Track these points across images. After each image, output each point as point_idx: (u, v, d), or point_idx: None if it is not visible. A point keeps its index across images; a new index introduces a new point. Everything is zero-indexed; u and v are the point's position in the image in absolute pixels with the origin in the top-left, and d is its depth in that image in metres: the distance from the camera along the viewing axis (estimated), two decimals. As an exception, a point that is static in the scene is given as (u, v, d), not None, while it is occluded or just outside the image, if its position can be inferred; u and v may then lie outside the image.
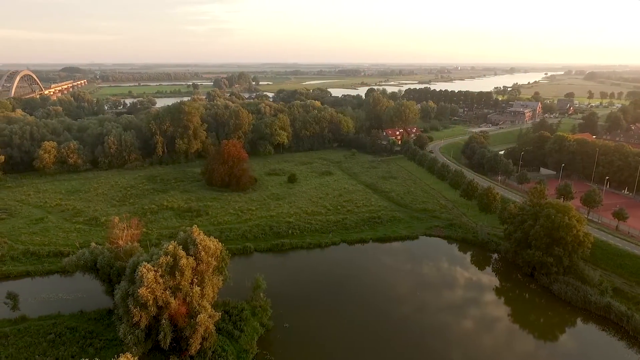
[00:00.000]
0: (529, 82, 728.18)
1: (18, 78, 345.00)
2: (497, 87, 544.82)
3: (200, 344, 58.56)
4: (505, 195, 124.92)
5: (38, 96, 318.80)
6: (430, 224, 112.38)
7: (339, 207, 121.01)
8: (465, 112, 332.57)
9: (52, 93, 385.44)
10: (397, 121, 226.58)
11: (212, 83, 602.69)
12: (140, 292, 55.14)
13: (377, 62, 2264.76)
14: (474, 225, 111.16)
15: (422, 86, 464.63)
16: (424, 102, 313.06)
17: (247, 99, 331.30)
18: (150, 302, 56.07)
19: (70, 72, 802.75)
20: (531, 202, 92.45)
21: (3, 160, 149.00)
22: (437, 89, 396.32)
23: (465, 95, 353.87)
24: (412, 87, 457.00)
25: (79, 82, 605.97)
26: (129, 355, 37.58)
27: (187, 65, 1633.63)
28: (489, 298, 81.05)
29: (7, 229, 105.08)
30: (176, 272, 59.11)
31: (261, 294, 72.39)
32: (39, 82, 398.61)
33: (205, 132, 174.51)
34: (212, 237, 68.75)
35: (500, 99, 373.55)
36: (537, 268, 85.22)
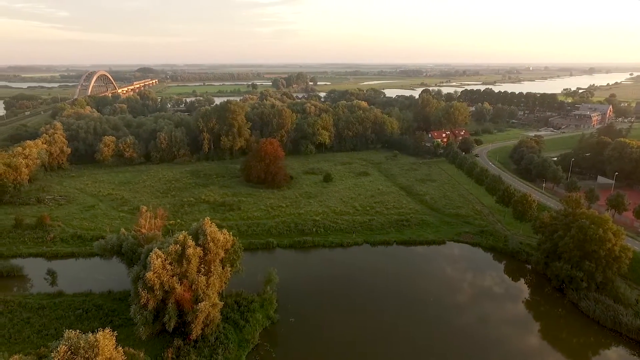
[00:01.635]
0: (607, 84, 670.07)
1: (95, 78, 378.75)
2: (567, 89, 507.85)
3: (201, 329, 61.94)
4: (548, 204, 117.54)
5: (110, 95, 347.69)
6: (460, 230, 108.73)
7: (368, 208, 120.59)
8: (526, 115, 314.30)
9: (123, 92, 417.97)
10: (446, 123, 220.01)
11: (271, 83, 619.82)
12: (148, 276, 59.54)
13: (442, 62, 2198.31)
14: (507, 233, 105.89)
15: (484, 87, 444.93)
16: (479, 103, 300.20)
17: (299, 98, 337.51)
18: (157, 286, 60.31)
19: (144, 72, 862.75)
20: (565, 211, 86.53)
21: (70, 152, 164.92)
22: (500, 90, 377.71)
23: (527, 97, 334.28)
24: (474, 88, 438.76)
25: (151, 82, 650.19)
26: (108, 330, 41.14)
27: (252, 65, 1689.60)
28: (507, 310, 77.21)
29: (63, 213, 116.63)
30: (184, 260, 62.99)
31: (268, 287, 74.57)
32: (113, 81, 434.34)
33: (249, 130, 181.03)
34: (224, 230, 72.05)
35: (566, 101, 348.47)
36: (567, 282, 79.73)
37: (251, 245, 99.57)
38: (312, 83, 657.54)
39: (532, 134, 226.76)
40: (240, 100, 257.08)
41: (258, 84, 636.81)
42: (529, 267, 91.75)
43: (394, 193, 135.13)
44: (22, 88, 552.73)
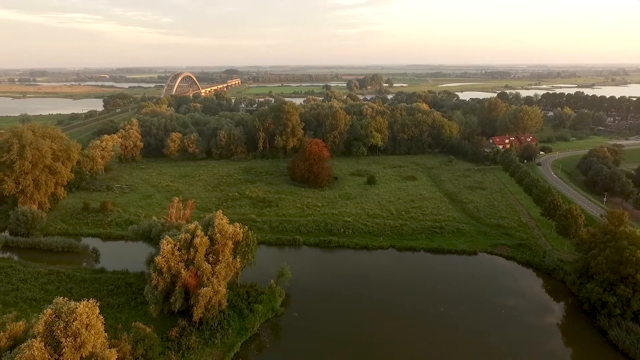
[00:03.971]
0: None
1: (180, 79, 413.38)
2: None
3: (202, 313, 66.82)
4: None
5: (191, 94, 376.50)
6: (496, 242, 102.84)
7: (403, 213, 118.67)
8: (616, 122, 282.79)
9: (206, 92, 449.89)
10: (513, 128, 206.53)
11: (346, 85, 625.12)
12: (157, 260, 65.84)
13: (536, 63, 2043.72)
14: (548, 249, 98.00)
15: (576, 90, 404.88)
16: (559, 108, 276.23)
17: (366, 100, 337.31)
18: (165, 269, 66.39)
19: (229, 73, 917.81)
20: (605, 228, 78.37)
21: (142, 146, 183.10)
22: (588, 95, 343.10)
23: (620, 102, 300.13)
24: (565, 91, 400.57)
25: (234, 83, 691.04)
26: (92, 300, 47.02)
27: (334, 67, 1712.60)
28: (525, 332, 71.91)
29: (124, 201, 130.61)
30: (191, 248, 68.46)
31: (272, 281, 77.65)
32: (197, 82, 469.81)
33: (302, 131, 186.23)
34: (236, 223, 76.61)
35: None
36: (598, 307, 72.44)
37: (278, 241, 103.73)
38: (387, 85, 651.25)
39: (615, 142, 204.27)
40: (303, 101, 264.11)
41: (333, 85, 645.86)
42: (565, 287, 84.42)
43: (436, 199, 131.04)
44: (123, 88, 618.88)
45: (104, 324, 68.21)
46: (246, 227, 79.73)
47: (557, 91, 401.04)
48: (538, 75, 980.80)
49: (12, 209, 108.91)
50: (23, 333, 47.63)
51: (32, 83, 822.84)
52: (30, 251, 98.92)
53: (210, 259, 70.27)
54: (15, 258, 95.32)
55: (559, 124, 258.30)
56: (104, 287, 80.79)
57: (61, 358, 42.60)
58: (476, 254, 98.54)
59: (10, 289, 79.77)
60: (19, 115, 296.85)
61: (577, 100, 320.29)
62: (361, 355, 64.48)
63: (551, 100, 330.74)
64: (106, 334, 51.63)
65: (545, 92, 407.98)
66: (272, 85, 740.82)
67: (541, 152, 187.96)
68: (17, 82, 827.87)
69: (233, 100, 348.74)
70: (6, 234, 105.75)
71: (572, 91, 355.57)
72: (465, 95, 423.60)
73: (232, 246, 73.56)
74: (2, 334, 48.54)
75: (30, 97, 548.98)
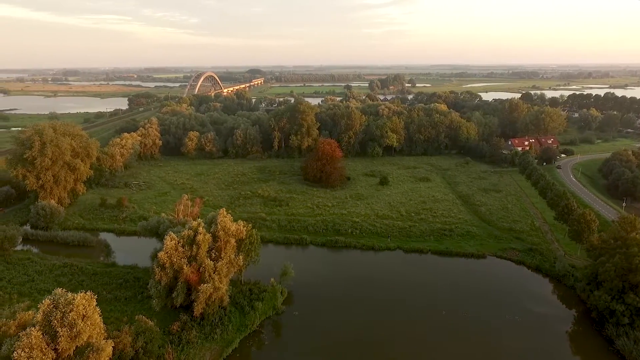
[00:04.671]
0: None
1: (202, 78, 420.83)
2: None
3: (203, 309, 68.23)
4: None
5: (213, 94, 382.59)
6: (506, 245, 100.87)
7: (412, 214, 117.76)
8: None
9: (228, 92, 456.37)
10: (534, 130, 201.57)
11: (368, 84, 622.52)
12: (159, 255, 67.64)
13: (567, 62, 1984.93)
14: (560, 254, 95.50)
15: (607, 91, 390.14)
16: (585, 110, 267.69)
17: (386, 101, 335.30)
18: (168, 265, 68.13)
19: (253, 73, 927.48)
20: (616, 234, 75.85)
21: (161, 144, 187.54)
22: (617, 95, 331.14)
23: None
24: (594, 92, 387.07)
25: (257, 82, 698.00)
26: (90, 292, 48.86)
27: (358, 67, 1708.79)
28: (527, 339, 70.29)
29: (140, 197, 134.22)
30: (194, 244, 70.00)
31: (272, 279, 78.48)
32: (219, 81, 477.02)
33: (317, 130, 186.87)
34: (239, 221, 77.87)
35: None
36: (607, 315, 70.28)
37: (286, 240, 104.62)
38: (409, 85, 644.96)
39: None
40: (321, 101, 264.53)
41: (355, 85, 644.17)
42: (575, 294, 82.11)
43: (448, 201, 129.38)
44: (149, 87, 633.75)
45: (111, 316, 72.09)
46: (250, 225, 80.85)
47: (587, 92, 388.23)
48: (568, 76, 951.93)
49: (33, 203, 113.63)
50: (31, 322, 50.00)
51: (63, 82, 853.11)
52: (48, 244, 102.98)
53: (213, 255, 71.69)
54: (35, 250, 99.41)
55: (584, 126, 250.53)
56: (113, 281, 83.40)
57: (58, 347, 44.49)
58: (485, 258, 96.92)
59: (26, 279, 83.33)
60: (48, 113, 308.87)
61: (606, 101, 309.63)
62: (359, 355, 64.56)
63: (577, 102, 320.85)
64: (105, 325, 53.53)
65: (561, 93, 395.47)
66: (295, 85, 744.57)
67: (562, 155, 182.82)
68: (50, 82, 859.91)
69: (253, 100, 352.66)
70: (27, 227, 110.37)
71: (602, 92, 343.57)
72: (489, 96, 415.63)
73: (235, 244, 74.75)
74: (12, 322, 51.15)
75: (60, 95, 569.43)
